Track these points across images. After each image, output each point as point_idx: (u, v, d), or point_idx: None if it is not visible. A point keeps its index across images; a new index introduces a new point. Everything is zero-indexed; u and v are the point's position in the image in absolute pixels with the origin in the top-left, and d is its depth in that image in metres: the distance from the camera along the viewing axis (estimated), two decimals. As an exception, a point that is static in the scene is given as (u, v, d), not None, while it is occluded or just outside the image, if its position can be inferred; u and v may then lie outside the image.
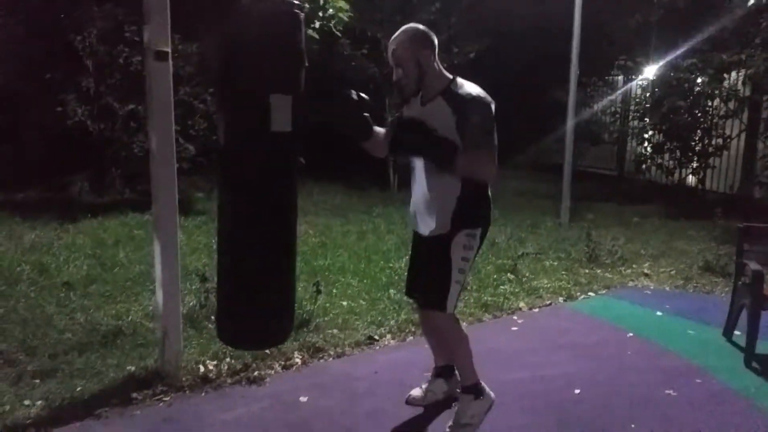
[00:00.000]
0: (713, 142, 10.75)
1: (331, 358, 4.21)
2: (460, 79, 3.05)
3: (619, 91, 13.02)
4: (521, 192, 11.44)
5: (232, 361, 3.93)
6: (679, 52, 10.64)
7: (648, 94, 11.32)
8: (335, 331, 4.55)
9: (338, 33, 5.45)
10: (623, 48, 11.61)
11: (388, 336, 4.56)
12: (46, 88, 8.77)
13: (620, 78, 13.17)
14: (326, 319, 4.73)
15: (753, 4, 9.99)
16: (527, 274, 6.14)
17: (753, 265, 4.26)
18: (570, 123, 8.64)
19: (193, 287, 4.80)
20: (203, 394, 3.65)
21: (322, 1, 4.97)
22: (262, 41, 2.64)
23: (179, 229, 3.89)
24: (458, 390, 3.35)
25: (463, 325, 3.66)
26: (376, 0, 10.72)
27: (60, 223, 7.44)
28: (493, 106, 2.95)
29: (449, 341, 3.31)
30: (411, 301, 4.23)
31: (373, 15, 10.59)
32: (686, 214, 9.30)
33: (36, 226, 7.27)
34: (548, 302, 5.51)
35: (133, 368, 3.83)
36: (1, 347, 3.97)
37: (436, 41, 3.05)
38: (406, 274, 3.58)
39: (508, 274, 6.09)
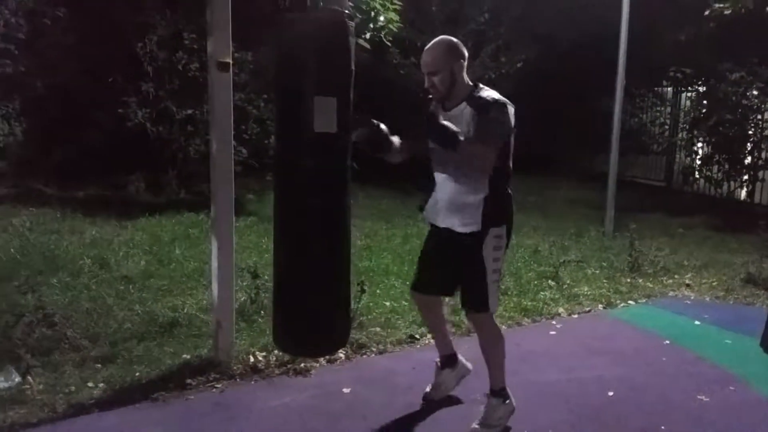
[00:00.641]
0: (762, 156, 10.64)
1: (373, 354, 4.39)
2: (482, 86, 3.26)
3: (667, 102, 12.94)
4: (568, 200, 11.46)
5: (280, 353, 4.11)
6: (727, 65, 10.56)
7: (696, 106, 11.24)
8: (378, 329, 4.72)
9: (388, 43, 5.61)
10: (673, 59, 11.54)
11: (428, 335, 4.71)
12: (108, 91, 9.06)
13: (669, 89, 13.08)
14: (370, 317, 4.90)
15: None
16: (568, 281, 6.18)
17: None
18: (615, 132, 8.65)
19: (244, 284, 4.97)
20: (252, 382, 3.87)
21: (373, 13, 5.15)
22: (310, 45, 2.82)
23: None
24: (486, 393, 3.44)
25: (502, 328, 3.77)
26: (425, 11, 10.90)
27: (119, 220, 7.74)
28: (511, 109, 3.14)
29: (487, 340, 3.42)
30: (409, 297, 4.33)
31: (423, 26, 10.79)
32: (732, 226, 9.19)
33: (96, 222, 7.58)
34: (587, 309, 5.57)
35: (188, 356, 4.08)
36: (66, 333, 4.21)
37: (466, 53, 3.27)
38: (416, 266, 3.65)
39: (549, 281, 6.16)
